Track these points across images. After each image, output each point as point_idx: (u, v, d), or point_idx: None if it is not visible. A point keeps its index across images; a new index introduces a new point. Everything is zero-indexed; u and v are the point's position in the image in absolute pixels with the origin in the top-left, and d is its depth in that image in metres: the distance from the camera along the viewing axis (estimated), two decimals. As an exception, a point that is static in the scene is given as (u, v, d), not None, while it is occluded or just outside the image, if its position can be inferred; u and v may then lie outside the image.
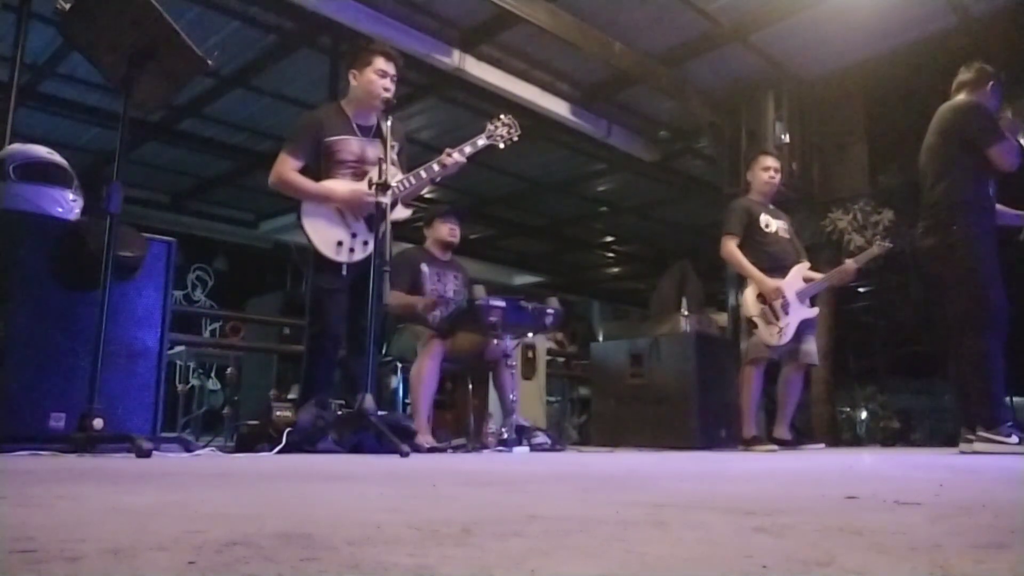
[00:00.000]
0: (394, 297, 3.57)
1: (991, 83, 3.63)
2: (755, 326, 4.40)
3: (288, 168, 3.35)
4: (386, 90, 3.30)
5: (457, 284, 4.33)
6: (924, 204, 3.66)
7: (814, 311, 4.58)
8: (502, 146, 3.68)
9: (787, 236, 4.71)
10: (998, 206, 3.66)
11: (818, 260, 4.87)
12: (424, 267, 4.22)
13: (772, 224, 4.65)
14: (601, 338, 9.55)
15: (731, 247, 4.51)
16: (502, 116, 3.70)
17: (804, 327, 4.50)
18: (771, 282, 4.43)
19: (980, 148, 3.47)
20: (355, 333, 3.36)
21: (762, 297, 4.43)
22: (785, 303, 4.42)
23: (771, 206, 4.78)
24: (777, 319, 4.40)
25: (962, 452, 3.39)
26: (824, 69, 6.00)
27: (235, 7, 5.21)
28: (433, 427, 3.91)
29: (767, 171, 4.76)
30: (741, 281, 4.57)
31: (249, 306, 7.64)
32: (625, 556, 0.68)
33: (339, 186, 3.35)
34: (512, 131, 3.67)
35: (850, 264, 4.62)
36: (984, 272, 3.42)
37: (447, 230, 4.37)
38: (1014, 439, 3.24)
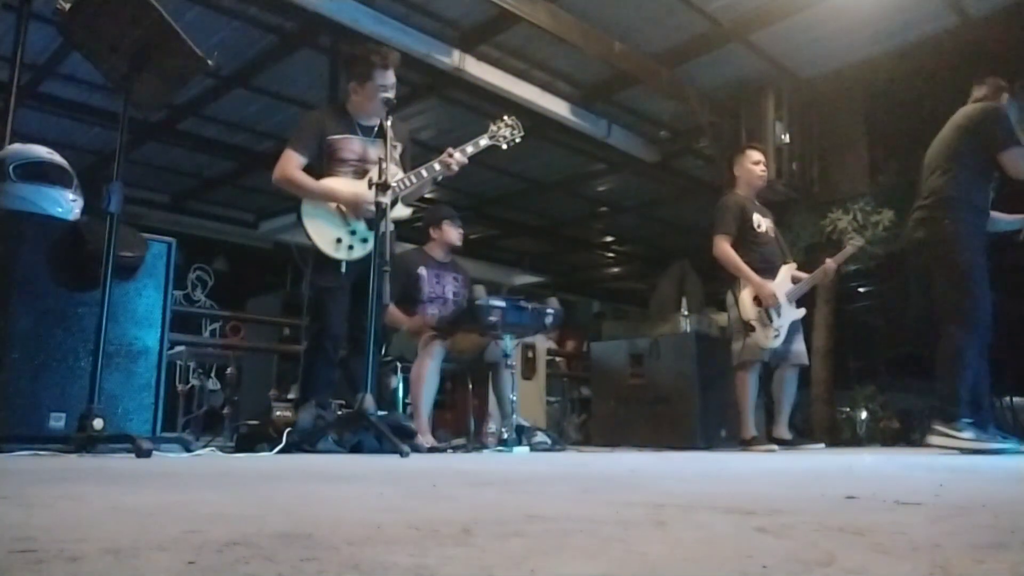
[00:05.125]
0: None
1: (1006, 95, 3.64)
2: (752, 329, 4.40)
3: (293, 166, 3.35)
4: (387, 99, 3.29)
5: (457, 285, 4.33)
6: (919, 195, 3.68)
7: (801, 312, 4.63)
8: (504, 147, 3.70)
9: (773, 235, 4.71)
10: (993, 213, 3.67)
11: (818, 260, 4.87)
12: (422, 270, 4.21)
13: (763, 224, 4.65)
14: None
15: (725, 247, 4.48)
16: (505, 117, 3.72)
17: (793, 328, 4.54)
18: (768, 286, 4.43)
19: (995, 151, 3.46)
20: (355, 333, 3.36)
21: (758, 300, 4.43)
22: (778, 305, 4.45)
23: (757, 203, 4.77)
24: (771, 322, 4.42)
25: (927, 444, 3.41)
26: (824, 69, 5.99)
27: (235, 7, 5.21)
28: (433, 427, 3.91)
29: (757, 165, 4.75)
30: (733, 281, 4.55)
31: (249, 306, 7.63)
32: (625, 556, 0.67)
33: (342, 186, 3.36)
34: (515, 132, 3.70)
35: (829, 264, 4.64)
36: (970, 269, 3.43)
37: (457, 235, 4.37)
38: (968, 434, 3.26)
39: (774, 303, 4.42)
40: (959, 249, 3.45)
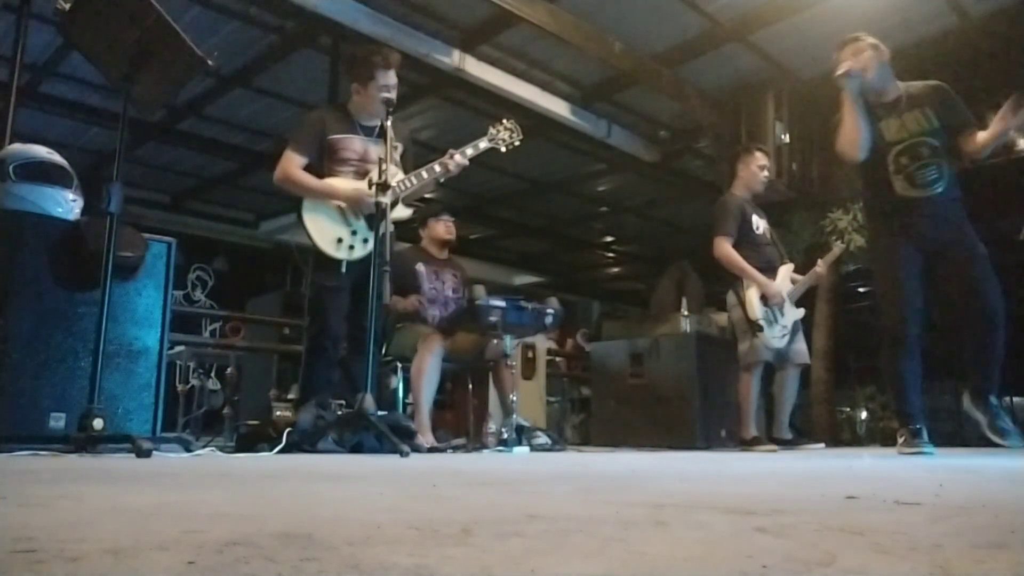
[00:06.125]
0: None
1: (846, 47, 3.47)
2: (760, 329, 4.40)
3: (294, 165, 3.36)
4: (387, 100, 3.29)
5: (455, 283, 4.34)
6: None
7: (801, 311, 4.65)
8: (503, 150, 3.72)
9: (770, 237, 4.72)
10: (982, 133, 3.33)
11: (817, 261, 4.87)
12: (420, 267, 4.22)
13: (760, 225, 4.66)
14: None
15: (727, 248, 4.47)
16: (505, 120, 3.74)
17: (794, 328, 4.56)
18: (774, 285, 4.44)
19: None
20: (355, 333, 3.36)
21: (764, 299, 4.43)
22: (783, 304, 4.46)
23: (754, 204, 4.77)
24: (777, 321, 4.43)
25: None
26: (824, 69, 5.90)
27: (235, 7, 5.21)
28: (433, 427, 3.91)
29: (763, 169, 4.75)
30: (734, 282, 4.55)
31: (249, 306, 7.63)
32: (625, 556, 0.67)
33: (342, 184, 3.37)
34: (514, 136, 3.71)
35: (819, 267, 4.67)
36: (882, 279, 3.36)
37: (443, 228, 4.39)
38: (903, 439, 3.27)
39: (780, 301, 4.44)
40: (873, 263, 3.46)
